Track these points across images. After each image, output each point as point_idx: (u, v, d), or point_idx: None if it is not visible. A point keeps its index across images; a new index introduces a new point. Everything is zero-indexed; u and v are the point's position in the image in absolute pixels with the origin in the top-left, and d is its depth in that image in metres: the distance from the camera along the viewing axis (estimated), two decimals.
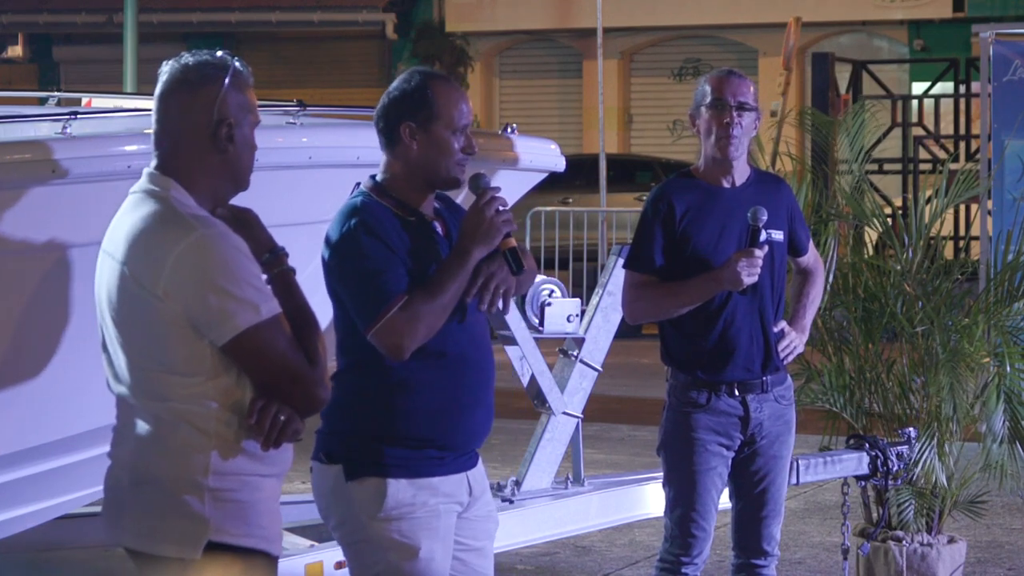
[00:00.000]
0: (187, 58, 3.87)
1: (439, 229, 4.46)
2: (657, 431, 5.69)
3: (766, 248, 5.42)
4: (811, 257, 5.83)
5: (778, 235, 5.56)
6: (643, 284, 5.51)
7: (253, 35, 31.51)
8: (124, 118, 5.98)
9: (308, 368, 3.82)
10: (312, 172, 5.45)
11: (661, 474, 5.74)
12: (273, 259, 3.96)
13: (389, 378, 4.34)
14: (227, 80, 3.84)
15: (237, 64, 3.88)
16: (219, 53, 3.90)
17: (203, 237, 3.73)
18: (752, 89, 5.56)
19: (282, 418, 3.78)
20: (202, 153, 3.85)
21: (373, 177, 4.47)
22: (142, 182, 3.88)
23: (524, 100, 30.42)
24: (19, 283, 4.90)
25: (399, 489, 4.34)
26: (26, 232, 4.80)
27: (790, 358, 5.71)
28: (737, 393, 5.52)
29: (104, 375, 3.94)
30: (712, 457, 5.53)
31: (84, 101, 7.12)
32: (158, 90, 3.88)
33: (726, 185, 5.54)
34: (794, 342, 5.67)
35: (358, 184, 5.53)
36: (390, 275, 4.28)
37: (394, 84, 4.43)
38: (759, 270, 5.38)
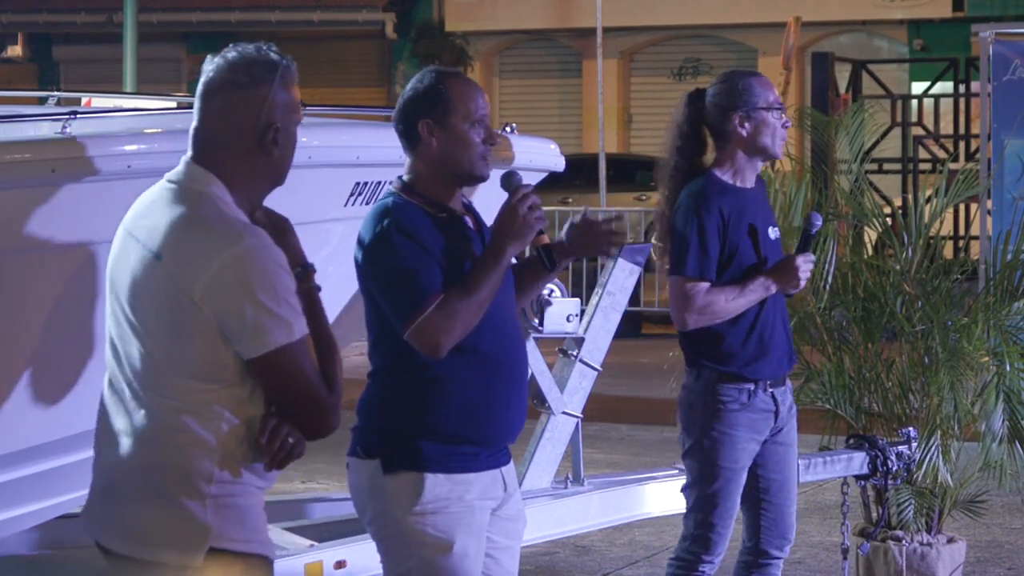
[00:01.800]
0: (234, 55, 3.75)
1: (470, 224, 4.50)
2: (658, 430, 5.68)
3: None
4: None
5: (777, 232, 5.68)
6: (704, 291, 5.49)
7: (253, 35, 31.46)
8: (124, 118, 5.97)
9: (326, 394, 3.77)
10: (312, 172, 5.44)
11: (661, 474, 5.75)
12: (303, 274, 3.90)
13: (424, 375, 4.37)
14: (276, 82, 3.75)
15: (285, 62, 3.78)
16: (264, 47, 3.78)
17: (250, 248, 3.64)
18: None
19: (291, 441, 3.73)
20: (247, 155, 3.76)
21: (400, 178, 4.49)
22: (179, 171, 3.77)
23: (524, 100, 30.44)
24: (19, 283, 4.89)
25: (436, 483, 4.37)
26: (26, 232, 4.80)
27: None
28: (769, 388, 5.60)
29: (103, 369, 3.90)
30: (745, 456, 5.58)
31: (84, 101, 7.12)
32: (202, 87, 3.76)
33: (748, 186, 5.62)
34: None
35: (358, 184, 5.57)
36: (425, 274, 4.31)
37: (408, 85, 4.48)
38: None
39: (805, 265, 5.52)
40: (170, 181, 3.79)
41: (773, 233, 5.63)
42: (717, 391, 5.55)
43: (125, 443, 3.76)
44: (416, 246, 4.32)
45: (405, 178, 4.48)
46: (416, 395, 4.39)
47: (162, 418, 3.72)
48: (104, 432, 3.82)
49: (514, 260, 4.55)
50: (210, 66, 3.78)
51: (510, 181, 4.44)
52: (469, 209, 4.55)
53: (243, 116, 3.74)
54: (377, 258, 4.36)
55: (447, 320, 4.28)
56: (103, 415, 3.83)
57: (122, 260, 3.78)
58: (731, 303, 5.49)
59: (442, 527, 4.38)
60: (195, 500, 3.69)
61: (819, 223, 5.62)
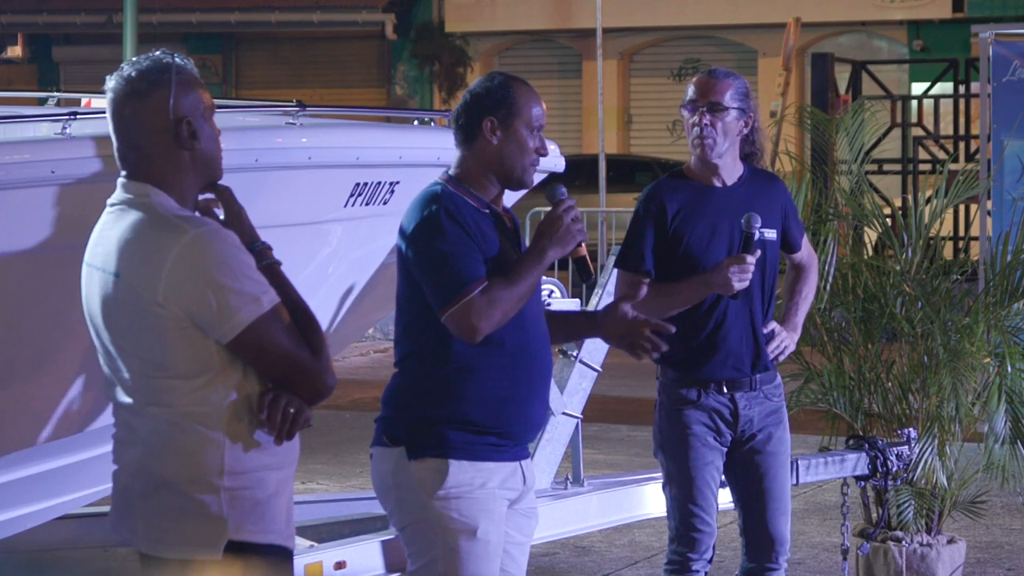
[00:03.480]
0: (128, 69, 3.88)
1: (508, 225, 4.63)
2: (652, 432, 5.70)
3: (758, 253, 5.42)
4: (805, 253, 5.83)
5: (771, 234, 5.57)
6: (635, 284, 5.48)
7: (253, 35, 31.52)
8: None
9: (311, 358, 3.82)
10: (312, 172, 5.45)
11: (660, 474, 5.74)
12: (259, 251, 3.95)
13: (453, 364, 4.48)
14: (173, 81, 3.85)
15: (178, 61, 3.90)
16: (157, 54, 3.91)
17: (196, 237, 3.73)
18: (733, 88, 5.51)
19: (292, 410, 3.79)
20: (171, 155, 3.86)
21: (447, 172, 4.61)
22: (118, 194, 3.89)
23: None
24: (19, 283, 4.89)
25: (460, 469, 4.47)
26: (26, 232, 4.80)
27: (781, 358, 5.71)
28: (726, 391, 5.54)
29: (102, 382, 3.94)
30: (708, 451, 5.55)
31: (84, 101, 7.11)
32: (110, 108, 3.89)
33: (717, 184, 5.54)
34: (784, 342, 5.66)
35: (358, 184, 5.57)
36: (470, 259, 4.43)
37: (475, 83, 4.63)
38: (750, 276, 5.38)
39: (739, 267, 5.33)
40: (112, 205, 3.90)
41: (768, 233, 5.52)
42: (671, 391, 5.58)
43: (135, 454, 3.85)
44: (463, 232, 4.45)
45: (452, 172, 4.59)
46: (444, 383, 4.49)
47: (164, 426, 3.79)
48: (117, 443, 3.92)
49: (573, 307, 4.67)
50: (110, 84, 3.90)
51: (553, 193, 4.61)
52: (507, 212, 4.68)
53: (153, 120, 3.85)
54: (424, 239, 4.46)
55: (489, 306, 4.40)
56: (116, 429, 3.93)
57: (91, 292, 3.90)
58: (659, 300, 5.42)
59: (466, 512, 4.47)
60: (209, 495, 3.76)
61: (757, 224, 5.40)
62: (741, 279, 5.35)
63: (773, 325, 5.64)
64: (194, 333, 3.74)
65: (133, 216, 3.81)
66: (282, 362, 3.79)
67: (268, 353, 3.77)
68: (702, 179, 5.55)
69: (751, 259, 5.37)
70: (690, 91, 5.55)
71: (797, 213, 5.81)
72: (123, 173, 3.90)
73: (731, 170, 5.56)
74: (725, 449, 5.60)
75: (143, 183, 3.85)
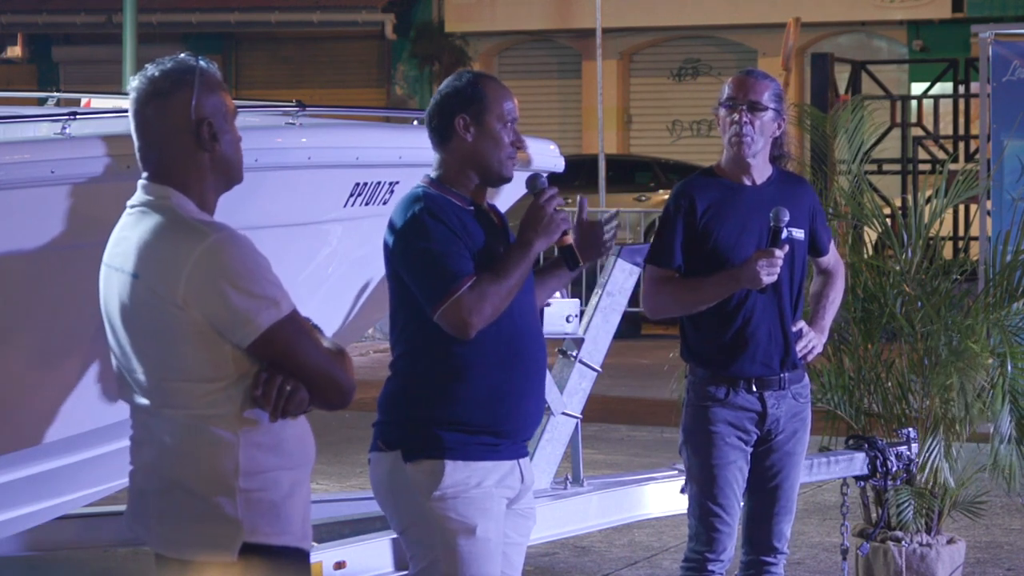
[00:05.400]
0: (152, 70, 3.90)
1: (495, 220, 4.65)
2: (658, 430, 5.72)
3: (787, 248, 5.46)
4: (832, 258, 5.86)
5: (799, 233, 5.61)
6: (664, 279, 5.57)
7: (253, 35, 31.51)
8: (123, 118, 5.96)
9: (331, 361, 3.83)
10: (312, 172, 5.45)
11: (660, 474, 5.78)
12: None
13: (443, 364, 4.50)
14: (196, 82, 3.86)
15: (202, 64, 3.91)
16: (181, 56, 3.93)
17: (216, 241, 3.74)
18: (771, 90, 5.55)
19: (288, 388, 3.79)
20: (192, 156, 3.86)
21: (428, 175, 4.63)
22: (139, 195, 3.89)
23: (523, 100, 30.17)
24: (19, 283, 4.90)
25: (455, 469, 4.48)
26: (26, 232, 4.80)
27: (809, 358, 5.74)
28: (755, 389, 5.56)
29: (106, 382, 3.94)
30: (731, 451, 5.56)
31: (83, 101, 7.12)
32: (133, 107, 3.91)
33: (747, 183, 5.59)
34: (812, 342, 5.70)
35: (358, 184, 5.58)
36: (456, 256, 4.45)
37: (444, 83, 4.64)
38: (778, 270, 5.42)
39: (767, 260, 5.38)
40: (132, 206, 3.91)
41: (796, 232, 5.56)
42: (700, 389, 5.60)
43: (151, 454, 3.86)
44: (447, 230, 4.46)
45: (433, 174, 4.62)
46: (435, 384, 4.51)
47: (179, 428, 3.80)
48: (134, 443, 3.93)
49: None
50: (133, 84, 3.91)
51: (535, 183, 4.63)
52: (493, 209, 4.70)
53: (174, 120, 3.86)
54: (409, 240, 4.48)
55: (479, 301, 4.41)
56: (133, 430, 3.93)
57: (109, 292, 3.89)
58: (688, 295, 5.51)
59: (463, 511, 4.48)
60: (225, 496, 3.76)
61: (785, 217, 5.44)
62: (769, 272, 5.39)
63: (801, 324, 5.68)
64: (212, 337, 3.74)
65: (153, 218, 3.82)
66: (302, 365, 3.79)
67: (287, 357, 3.77)
68: (732, 177, 5.59)
69: (779, 253, 5.41)
70: (727, 89, 5.54)
71: (825, 218, 5.84)
72: (144, 175, 3.90)
73: (761, 170, 5.60)
74: (750, 450, 5.61)
75: (163, 185, 3.86)
